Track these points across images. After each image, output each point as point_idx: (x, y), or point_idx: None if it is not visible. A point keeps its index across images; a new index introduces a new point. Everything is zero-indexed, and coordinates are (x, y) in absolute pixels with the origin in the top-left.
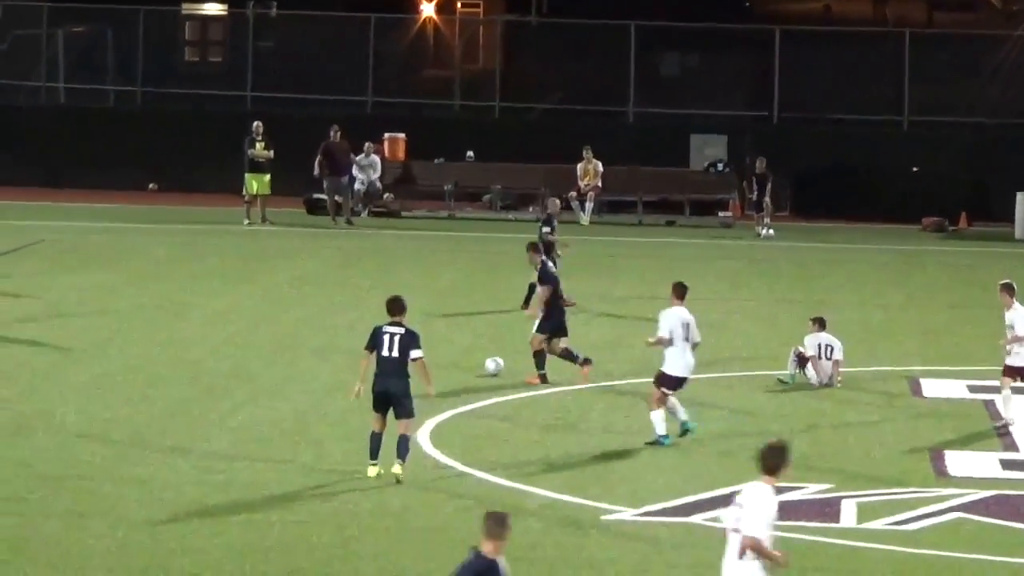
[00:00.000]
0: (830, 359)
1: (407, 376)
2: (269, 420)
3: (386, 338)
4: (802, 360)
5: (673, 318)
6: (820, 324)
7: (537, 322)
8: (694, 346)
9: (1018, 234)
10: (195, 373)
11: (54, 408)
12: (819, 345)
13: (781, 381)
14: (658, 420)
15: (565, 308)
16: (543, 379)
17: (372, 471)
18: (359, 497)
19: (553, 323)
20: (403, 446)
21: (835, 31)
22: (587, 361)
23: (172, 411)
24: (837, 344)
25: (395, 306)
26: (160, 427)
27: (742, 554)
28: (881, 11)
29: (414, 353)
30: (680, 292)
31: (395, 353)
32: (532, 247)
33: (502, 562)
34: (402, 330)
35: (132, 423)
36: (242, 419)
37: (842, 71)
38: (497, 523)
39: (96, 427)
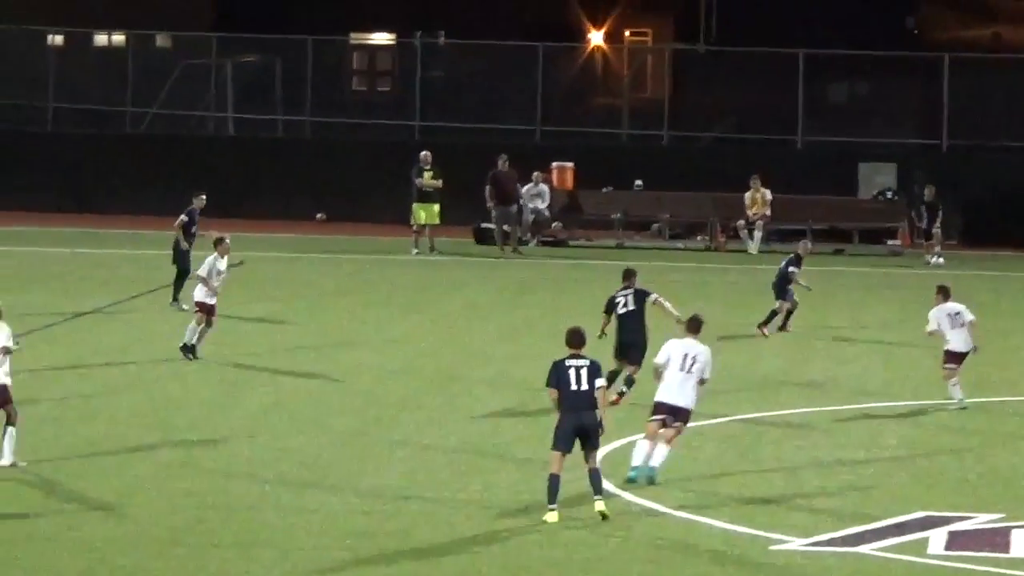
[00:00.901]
0: (963, 325)
1: (596, 407)
2: (438, 450)
3: (572, 372)
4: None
5: (674, 347)
6: (944, 294)
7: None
8: (701, 382)
9: None
10: (365, 403)
11: (224, 437)
12: (948, 315)
13: (950, 408)
14: (638, 451)
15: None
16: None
17: (552, 516)
18: (527, 528)
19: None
20: (599, 479)
21: (1004, 58)
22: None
23: (342, 441)
24: (964, 309)
25: (575, 338)
26: (329, 457)
27: None
28: None
29: (599, 382)
30: (693, 327)
31: (584, 386)
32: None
33: None
34: (587, 361)
35: (301, 453)
36: (411, 449)
37: (1012, 98)
38: None
39: (265, 456)
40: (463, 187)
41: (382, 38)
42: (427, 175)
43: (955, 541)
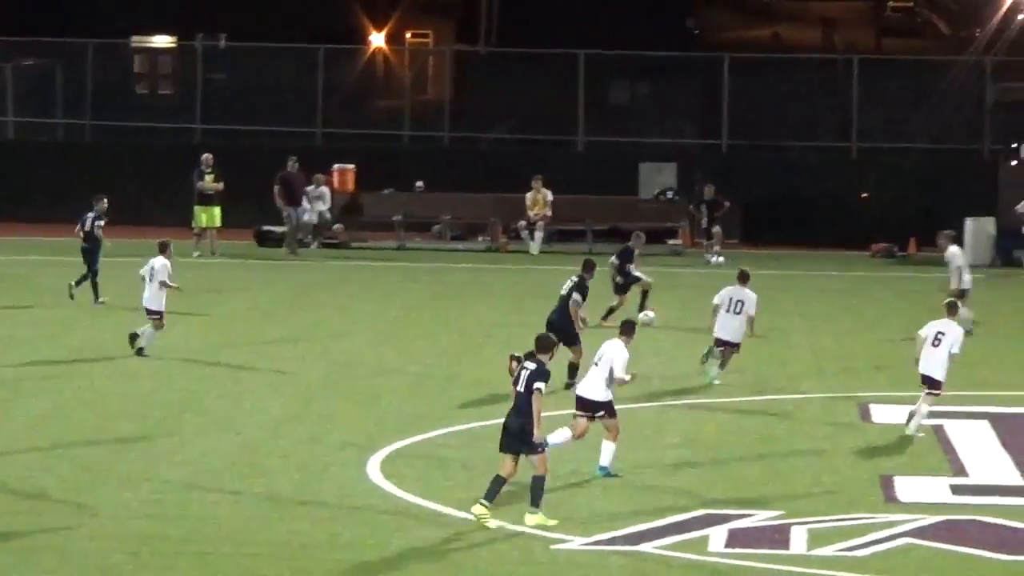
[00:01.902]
0: (739, 314)
1: (525, 412)
2: (220, 452)
3: (522, 374)
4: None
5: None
6: (743, 279)
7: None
8: (620, 381)
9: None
10: (146, 406)
11: (1, 444)
12: (730, 299)
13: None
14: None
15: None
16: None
17: (477, 508)
18: (311, 529)
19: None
20: (535, 488)
21: (784, 58)
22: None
23: (123, 444)
24: (750, 298)
25: (538, 343)
26: (110, 460)
27: None
28: (830, 37)
29: (536, 384)
30: (626, 329)
31: (520, 388)
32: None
33: None
34: (533, 367)
35: (82, 457)
36: (193, 452)
37: (791, 98)
38: None
39: (46, 462)
40: (244, 190)
41: (163, 41)
42: (208, 178)
43: (735, 538)
